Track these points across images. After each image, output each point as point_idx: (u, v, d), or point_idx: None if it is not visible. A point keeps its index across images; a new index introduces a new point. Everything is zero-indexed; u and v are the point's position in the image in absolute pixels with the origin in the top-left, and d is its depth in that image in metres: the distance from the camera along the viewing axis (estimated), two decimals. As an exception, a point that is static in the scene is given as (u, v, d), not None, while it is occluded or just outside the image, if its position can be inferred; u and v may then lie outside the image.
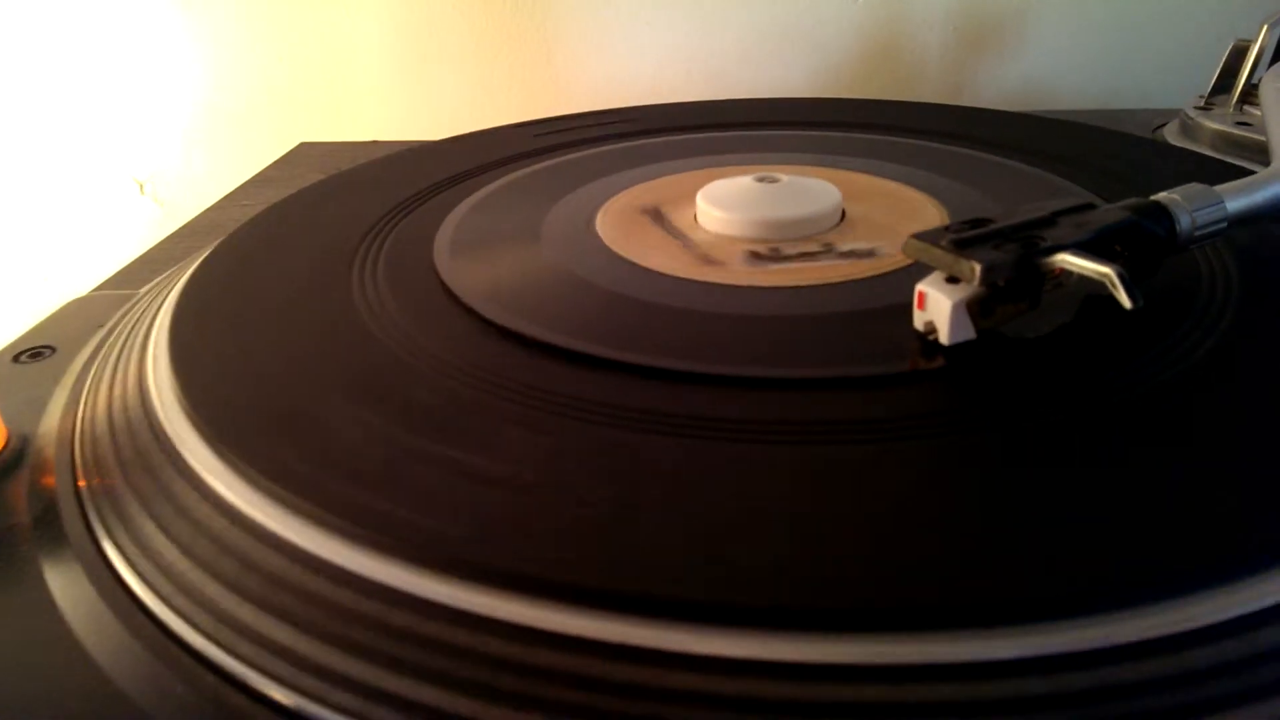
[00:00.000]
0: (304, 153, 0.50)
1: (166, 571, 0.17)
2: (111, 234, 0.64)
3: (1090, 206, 0.22)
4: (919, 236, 0.21)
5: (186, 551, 0.17)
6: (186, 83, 0.60)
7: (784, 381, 0.20)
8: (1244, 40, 0.41)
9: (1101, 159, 0.34)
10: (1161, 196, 0.23)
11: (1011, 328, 0.21)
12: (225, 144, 0.61)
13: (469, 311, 0.23)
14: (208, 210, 0.42)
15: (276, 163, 0.48)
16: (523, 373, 0.21)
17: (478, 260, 0.27)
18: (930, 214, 0.29)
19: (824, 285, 0.24)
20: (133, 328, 0.25)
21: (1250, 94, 0.40)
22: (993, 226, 0.21)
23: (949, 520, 0.16)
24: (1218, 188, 0.23)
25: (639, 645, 0.14)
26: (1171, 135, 0.42)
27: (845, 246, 0.27)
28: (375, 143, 0.51)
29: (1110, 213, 0.22)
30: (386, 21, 0.57)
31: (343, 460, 0.18)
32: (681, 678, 0.14)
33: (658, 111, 0.43)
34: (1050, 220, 0.21)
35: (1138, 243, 0.22)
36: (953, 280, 0.21)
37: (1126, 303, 0.18)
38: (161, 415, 0.20)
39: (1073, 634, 0.14)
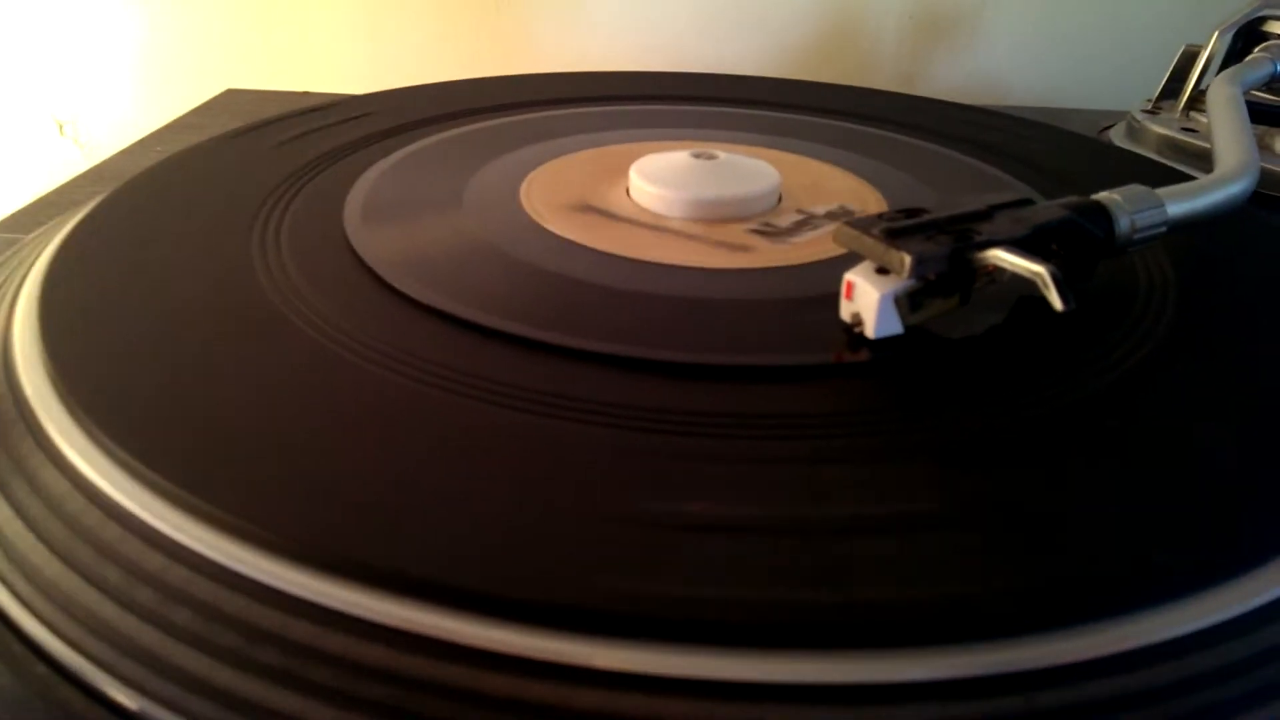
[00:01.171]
0: (229, 100, 0.47)
1: (6, 549, 0.15)
2: (27, 176, 0.61)
3: (1028, 202, 0.21)
4: (851, 224, 0.20)
5: (34, 529, 0.16)
6: (115, 18, 0.57)
7: (687, 368, 0.19)
8: (1194, 45, 0.41)
9: (1045, 156, 0.34)
10: (1102, 196, 0.22)
11: (940, 325, 0.20)
12: (154, 86, 0.58)
13: (377, 279, 0.22)
14: (118, 154, 0.39)
15: (199, 109, 0.46)
16: (427, 347, 0.19)
17: (390, 226, 0.25)
18: (870, 203, 0.28)
19: (752, 270, 0.23)
20: (7, 278, 0.23)
21: (1197, 100, 0.39)
22: (927, 218, 0.20)
23: (835, 532, 0.15)
24: (1159, 191, 0.23)
25: (532, 657, 0.13)
26: (1118, 137, 0.42)
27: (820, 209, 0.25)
28: (306, 94, 0.48)
29: (1048, 210, 0.21)
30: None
31: (217, 440, 0.16)
32: (584, 694, 0.13)
33: (597, 80, 0.41)
34: (986, 214, 0.20)
35: (1075, 242, 0.21)
36: (883, 271, 0.20)
37: (1058, 304, 0.17)
38: (23, 377, 0.19)
39: (986, 657, 0.13)
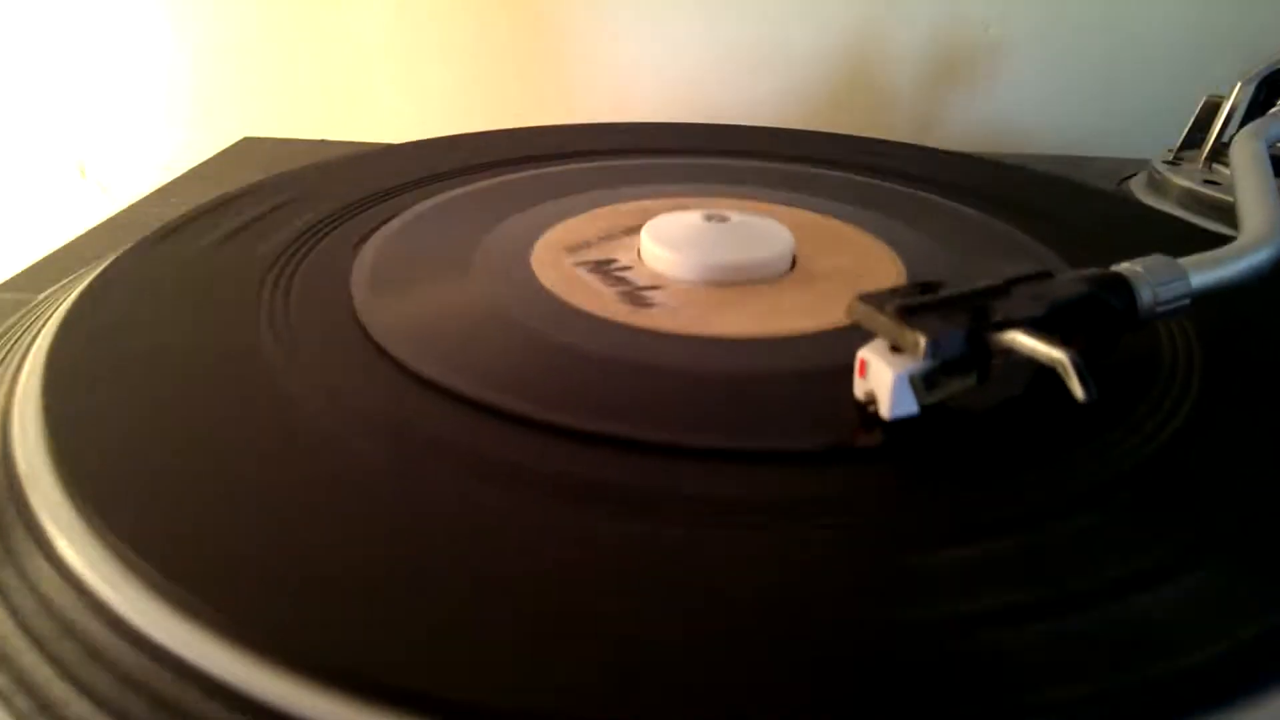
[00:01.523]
0: (246, 148, 0.48)
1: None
2: (50, 218, 0.61)
3: (1047, 275, 0.21)
4: (865, 299, 0.19)
5: (20, 622, 0.15)
6: (138, 62, 0.57)
7: (689, 451, 0.18)
8: (1216, 96, 0.40)
9: (1064, 211, 0.33)
10: (1123, 268, 0.21)
11: (957, 399, 0.20)
12: (177, 129, 0.59)
13: (382, 353, 0.22)
14: (133, 206, 0.40)
15: (215, 158, 0.46)
16: (435, 425, 0.19)
17: (398, 295, 0.25)
18: (886, 266, 0.28)
19: (773, 338, 0.23)
20: (12, 348, 0.23)
21: (1220, 152, 0.39)
22: (943, 294, 0.19)
23: (849, 636, 0.14)
24: (1183, 261, 0.22)
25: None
26: (1138, 188, 0.41)
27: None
28: (324, 142, 0.49)
29: (1067, 284, 0.20)
30: (381, 18, 0.55)
31: (214, 537, 0.16)
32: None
33: (610, 132, 0.41)
34: (1004, 290, 0.20)
35: (1095, 316, 0.20)
36: (896, 348, 0.19)
37: (1079, 394, 0.17)
38: (20, 458, 0.18)
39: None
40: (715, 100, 0.57)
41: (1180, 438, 0.20)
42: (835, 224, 0.30)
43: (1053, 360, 0.17)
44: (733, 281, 0.26)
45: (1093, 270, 0.21)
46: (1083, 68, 0.55)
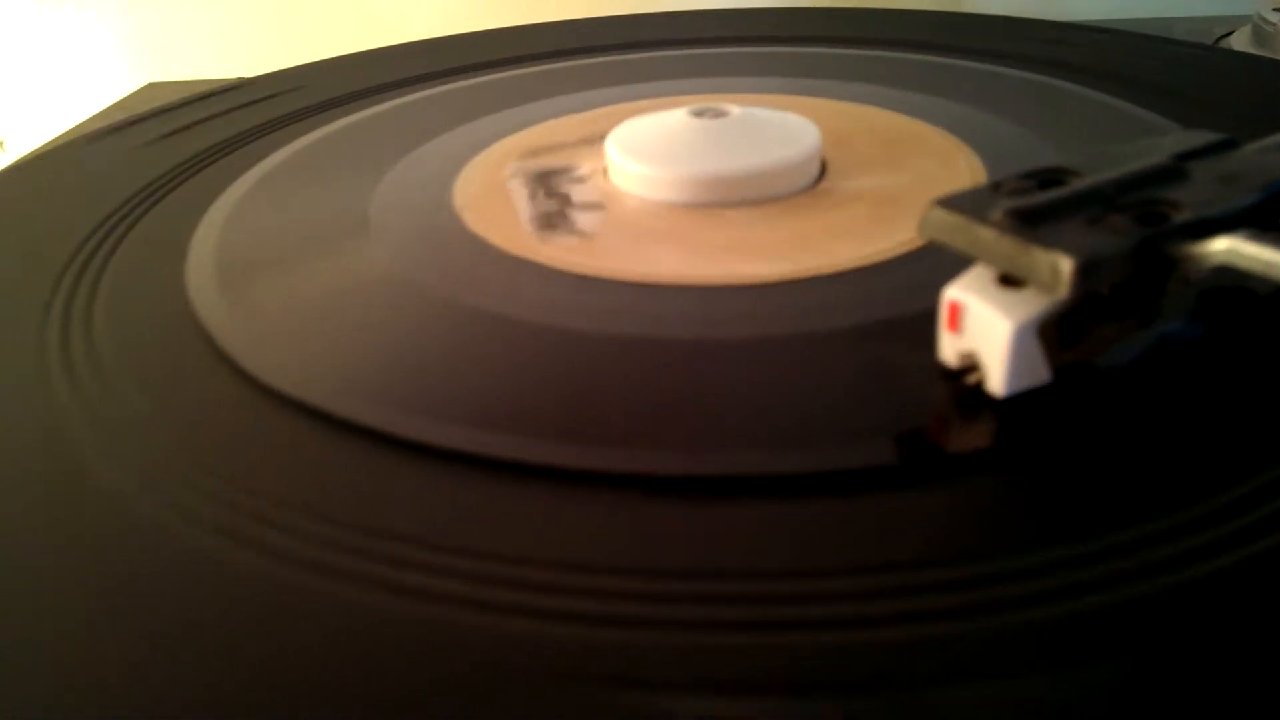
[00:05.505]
0: (150, 94, 0.40)
1: None
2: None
3: (1230, 144, 0.13)
4: (948, 203, 0.12)
5: None
6: (27, 28, 0.49)
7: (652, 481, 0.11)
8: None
9: (1155, 73, 0.25)
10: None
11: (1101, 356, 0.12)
12: (83, 90, 0.51)
13: (240, 375, 0.14)
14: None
15: (112, 107, 0.38)
16: (315, 491, 0.12)
17: (258, 281, 0.17)
18: (958, 164, 0.20)
19: (727, 286, 0.15)
20: None
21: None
22: (1082, 185, 0.12)
23: None
24: None
25: None
26: (1241, 46, 0.32)
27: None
28: (242, 80, 0.41)
29: (1271, 154, 0.13)
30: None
31: None
32: None
33: (563, 29, 0.33)
34: (1175, 171, 0.12)
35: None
36: (1009, 281, 0.12)
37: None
38: None
39: None
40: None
41: None
42: (878, 112, 0.23)
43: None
44: (737, 199, 0.18)
45: (1299, 131, 0.14)
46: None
